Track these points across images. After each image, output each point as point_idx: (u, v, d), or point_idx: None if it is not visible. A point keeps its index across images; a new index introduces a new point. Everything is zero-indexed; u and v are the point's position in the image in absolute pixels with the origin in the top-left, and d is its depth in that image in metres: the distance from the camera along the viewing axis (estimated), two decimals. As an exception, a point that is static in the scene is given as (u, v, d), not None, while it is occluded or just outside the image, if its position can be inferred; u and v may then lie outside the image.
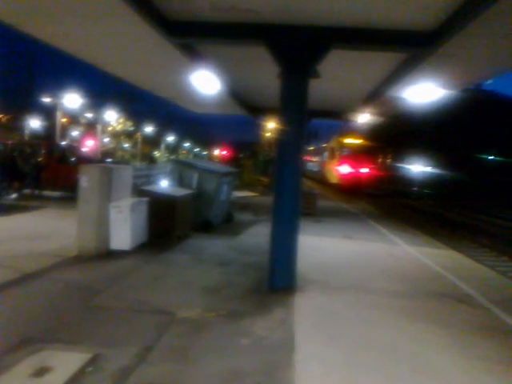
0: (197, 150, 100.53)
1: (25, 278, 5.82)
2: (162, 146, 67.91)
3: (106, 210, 7.32)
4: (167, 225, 8.39)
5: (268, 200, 11.18)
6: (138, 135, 57.11)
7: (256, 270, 6.91)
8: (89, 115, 45.12)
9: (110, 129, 50.01)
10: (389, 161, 47.87)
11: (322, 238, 10.27)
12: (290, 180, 6.02)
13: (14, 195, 13.92)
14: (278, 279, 6.05)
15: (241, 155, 44.55)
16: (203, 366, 3.73)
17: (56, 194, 15.15)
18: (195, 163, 10.83)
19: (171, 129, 70.76)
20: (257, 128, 26.47)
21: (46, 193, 15.13)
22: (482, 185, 36.65)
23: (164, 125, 65.32)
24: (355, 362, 3.98)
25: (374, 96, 10.66)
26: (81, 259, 6.91)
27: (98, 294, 5.38)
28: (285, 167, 6.04)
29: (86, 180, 7.13)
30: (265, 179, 28.29)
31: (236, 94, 12.48)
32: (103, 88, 73.13)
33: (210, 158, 72.26)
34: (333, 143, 33.61)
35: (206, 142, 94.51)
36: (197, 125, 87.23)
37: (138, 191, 8.80)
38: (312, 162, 43.83)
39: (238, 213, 13.23)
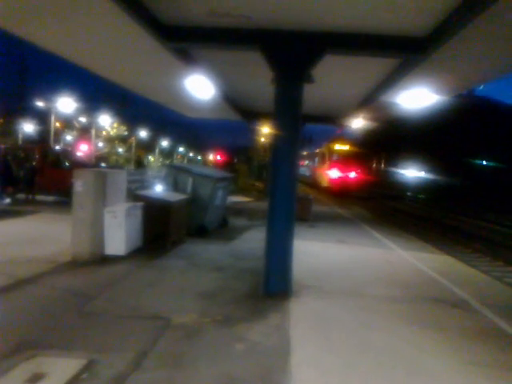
0: (191, 154, 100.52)
1: (18, 284, 5.76)
2: (157, 151, 67.83)
3: (100, 215, 7.28)
4: (162, 230, 8.36)
5: (263, 205, 11.19)
6: (132, 140, 57.01)
7: (251, 275, 6.90)
8: (83, 120, 45.07)
9: (104, 133, 49.88)
10: (380, 166, 48.38)
11: (317, 243, 10.27)
12: (284, 185, 6.02)
13: (7, 200, 13.78)
14: (273, 284, 6.03)
15: (235, 160, 44.61)
16: (199, 371, 3.71)
17: (50, 198, 15.08)
18: (190, 168, 10.81)
19: (165, 133, 70.84)
20: (251, 133, 26.56)
21: (40, 197, 15.03)
22: (474, 190, 36.97)
23: (158, 129, 65.37)
24: (351, 366, 3.98)
25: (368, 101, 10.73)
26: (75, 264, 6.86)
27: (92, 300, 5.34)
28: (279, 172, 6.03)
29: (81, 185, 7.08)
30: (260, 184, 28.36)
31: (230, 98, 12.50)
32: (97, 92, 73.10)
33: (205, 162, 72.29)
34: (323, 149, 34.46)
35: (201, 146, 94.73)
36: (191, 129, 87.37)
37: (133, 196, 8.78)
38: (304, 166, 44.29)
39: (233, 218, 13.22)
